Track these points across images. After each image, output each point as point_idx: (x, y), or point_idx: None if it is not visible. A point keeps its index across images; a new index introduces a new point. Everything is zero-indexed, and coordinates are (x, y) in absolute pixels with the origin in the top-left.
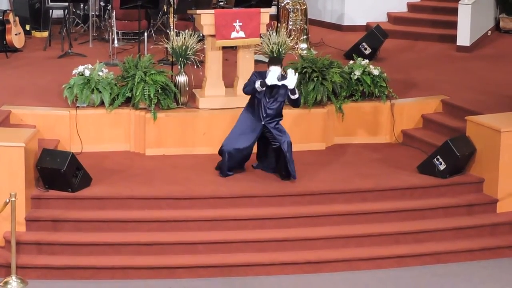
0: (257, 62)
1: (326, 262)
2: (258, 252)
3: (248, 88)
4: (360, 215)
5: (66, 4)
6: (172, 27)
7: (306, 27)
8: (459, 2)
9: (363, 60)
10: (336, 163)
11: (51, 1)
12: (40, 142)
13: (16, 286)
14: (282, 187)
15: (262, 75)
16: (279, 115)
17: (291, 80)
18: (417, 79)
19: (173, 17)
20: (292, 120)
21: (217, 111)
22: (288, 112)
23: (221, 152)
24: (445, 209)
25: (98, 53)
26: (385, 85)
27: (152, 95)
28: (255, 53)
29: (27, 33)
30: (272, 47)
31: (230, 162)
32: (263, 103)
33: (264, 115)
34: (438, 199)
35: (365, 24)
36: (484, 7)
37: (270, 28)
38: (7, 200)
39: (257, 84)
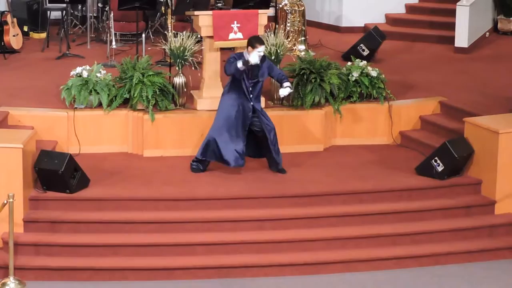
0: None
1: (324, 263)
2: (256, 253)
3: (231, 68)
4: (358, 217)
5: (64, 5)
6: (170, 29)
7: (304, 28)
8: (457, 3)
9: (361, 61)
10: (334, 165)
11: (49, 2)
12: (38, 143)
13: None
14: (280, 188)
15: (240, 56)
16: (260, 96)
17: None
18: (415, 80)
19: (171, 18)
20: (290, 121)
21: (215, 112)
22: (286, 113)
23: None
24: (443, 210)
25: (96, 55)
26: (383, 87)
27: (150, 96)
28: None
29: (25, 34)
30: (270, 49)
31: (206, 149)
32: (246, 85)
33: (251, 96)
34: (436, 200)
35: (363, 25)
36: (482, 9)
37: (268, 30)
38: (5, 201)
39: (239, 64)
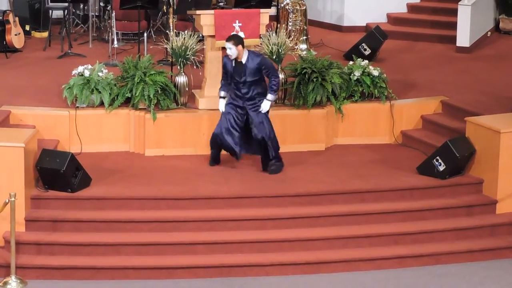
0: None
1: (326, 262)
2: (257, 252)
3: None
4: (359, 216)
5: (66, 4)
6: (171, 28)
7: (305, 27)
8: (459, 3)
9: (363, 60)
10: (336, 164)
11: (51, 2)
12: (39, 142)
13: (16, 286)
14: (281, 187)
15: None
16: (259, 94)
17: None
18: (416, 80)
19: (173, 17)
20: (291, 121)
21: (216, 111)
22: (288, 113)
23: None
24: (444, 210)
25: (97, 54)
26: (384, 86)
27: (151, 96)
28: None
29: (26, 33)
30: (272, 48)
31: (213, 141)
32: (235, 86)
33: (240, 95)
34: (438, 200)
35: (364, 24)
36: (484, 8)
37: (270, 29)
38: (7, 200)
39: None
